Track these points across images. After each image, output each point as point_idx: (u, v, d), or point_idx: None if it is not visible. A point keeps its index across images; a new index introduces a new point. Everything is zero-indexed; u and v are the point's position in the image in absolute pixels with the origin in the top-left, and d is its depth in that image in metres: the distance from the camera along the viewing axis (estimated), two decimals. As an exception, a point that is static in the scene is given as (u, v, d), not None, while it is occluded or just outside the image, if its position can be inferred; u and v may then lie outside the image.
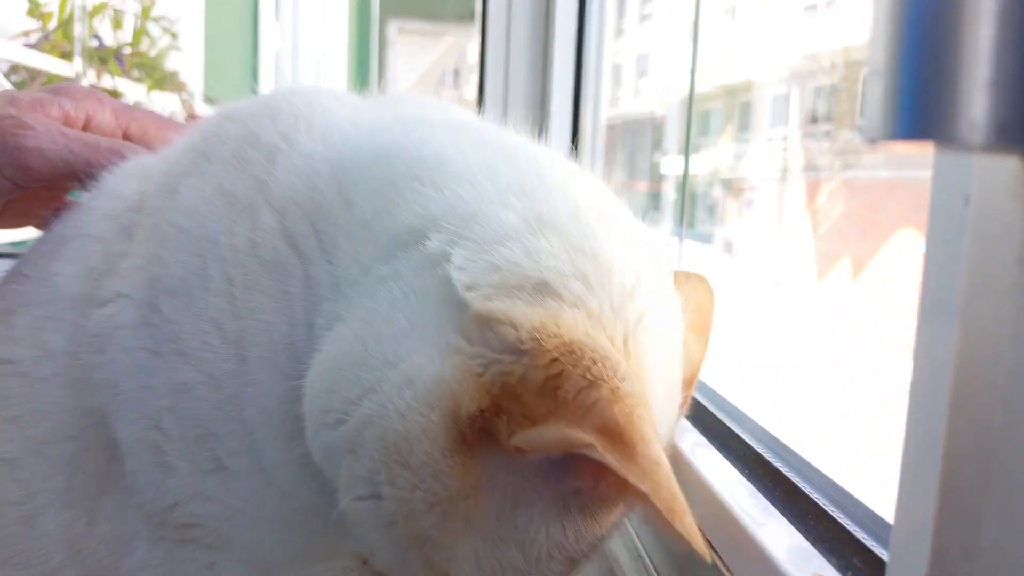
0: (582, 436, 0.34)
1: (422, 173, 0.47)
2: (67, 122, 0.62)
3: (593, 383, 0.35)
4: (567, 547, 0.40)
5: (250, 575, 0.56)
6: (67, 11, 2.18)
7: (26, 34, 2.19)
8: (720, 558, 0.42)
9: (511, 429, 0.36)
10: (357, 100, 0.59)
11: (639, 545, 0.58)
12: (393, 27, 5.99)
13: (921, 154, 0.32)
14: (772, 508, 0.42)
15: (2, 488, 0.59)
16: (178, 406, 0.51)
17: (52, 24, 2.15)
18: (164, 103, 2.26)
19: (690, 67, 1.37)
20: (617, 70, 1.77)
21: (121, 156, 0.60)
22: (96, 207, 0.59)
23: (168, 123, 0.66)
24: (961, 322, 0.23)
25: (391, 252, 0.45)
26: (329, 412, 0.43)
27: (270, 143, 0.52)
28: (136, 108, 0.66)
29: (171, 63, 2.32)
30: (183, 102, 2.24)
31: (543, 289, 0.39)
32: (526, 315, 0.38)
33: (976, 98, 0.18)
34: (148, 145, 0.63)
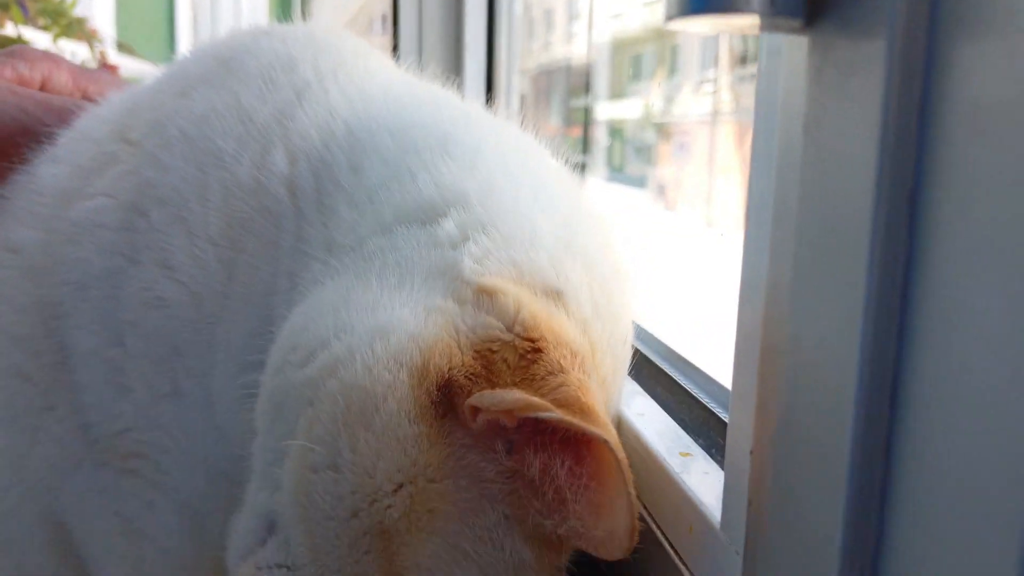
0: (541, 402, 0.33)
1: (456, 152, 0.45)
2: (21, 83, 0.61)
3: (564, 370, 0.35)
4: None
5: (184, 524, 0.55)
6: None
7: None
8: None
9: (471, 390, 0.35)
10: (397, 70, 0.57)
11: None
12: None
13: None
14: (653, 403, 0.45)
15: None
16: (146, 322, 0.49)
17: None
18: (73, 52, 2.16)
19: (618, 11, 1.38)
20: (549, 15, 1.75)
21: (74, 115, 0.57)
22: (94, 113, 0.57)
23: (124, 84, 0.65)
24: (775, 195, 0.25)
25: (391, 226, 0.44)
26: (296, 349, 0.41)
27: (305, 78, 0.50)
28: (96, 71, 0.66)
29: (79, 9, 2.21)
30: (94, 50, 2.15)
31: (555, 297, 0.39)
32: (531, 301, 0.38)
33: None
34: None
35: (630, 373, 0.45)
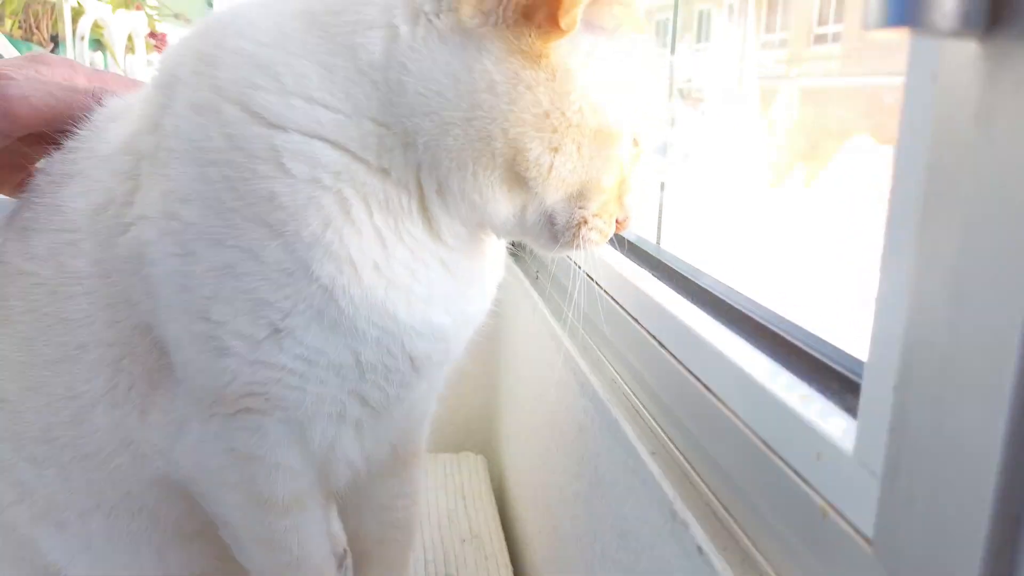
0: None
1: None
2: None
3: None
4: None
5: (291, 436, 0.64)
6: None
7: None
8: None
9: None
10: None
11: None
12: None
13: (874, 58, 0.39)
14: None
15: (50, 385, 0.66)
16: (223, 289, 0.57)
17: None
18: (130, 20, 2.22)
19: None
20: None
21: (99, 99, 0.67)
22: (89, 148, 0.66)
23: (135, 84, 0.71)
24: (927, 175, 0.30)
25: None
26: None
27: (209, 53, 0.58)
28: (107, 72, 0.72)
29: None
30: (148, 18, 2.20)
31: None
32: None
33: (947, -5, 0.25)
34: None
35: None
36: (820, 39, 1.28)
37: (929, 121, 0.30)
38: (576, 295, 0.93)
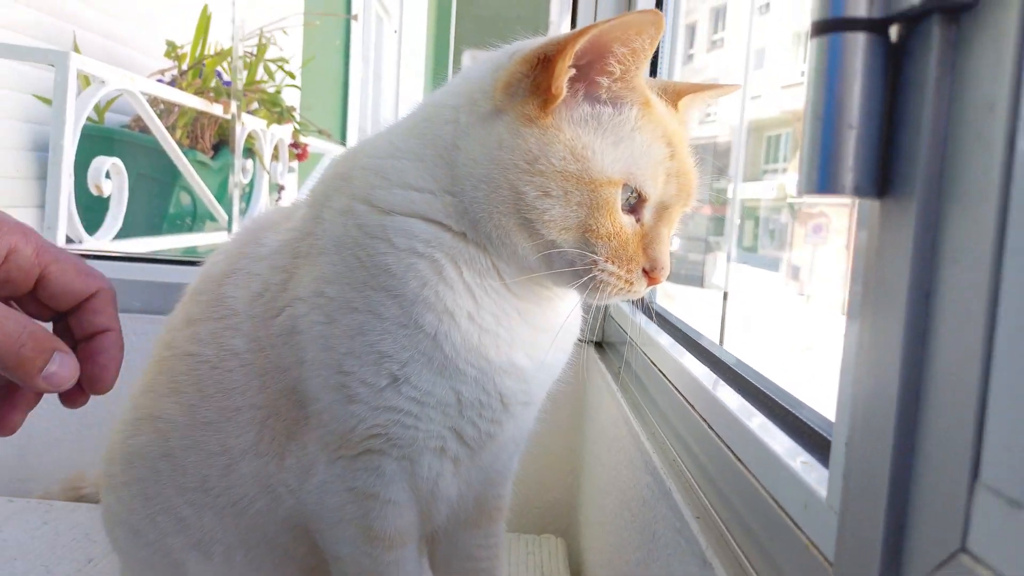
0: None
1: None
2: None
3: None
4: None
5: (401, 471, 0.78)
6: (198, 53, 2.50)
7: (163, 72, 2.51)
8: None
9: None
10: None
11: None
12: (467, 56, 6.30)
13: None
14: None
15: (207, 443, 0.84)
16: (356, 347, 0.74)
17: (185, 65, 2.47)
18: (279, 133, 2.56)
19: (754, 93, 1.50)
20: None
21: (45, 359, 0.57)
22: (246, 252, 0.86)
23: (89, 272, 0.63)
24: (861, 291, 0.43)
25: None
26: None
27: (346, 174, 0.79)
28: (61, 250, 0.62)
29: (286, 98, 2.62)
30: (295, 131, 2.54)
31: None
32: None
33: (847, 174, 0.39)
34: (64, 289, 0.61)
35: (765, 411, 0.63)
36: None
37: (861, 257, 0.43)
38: (651, 388, 1.06)
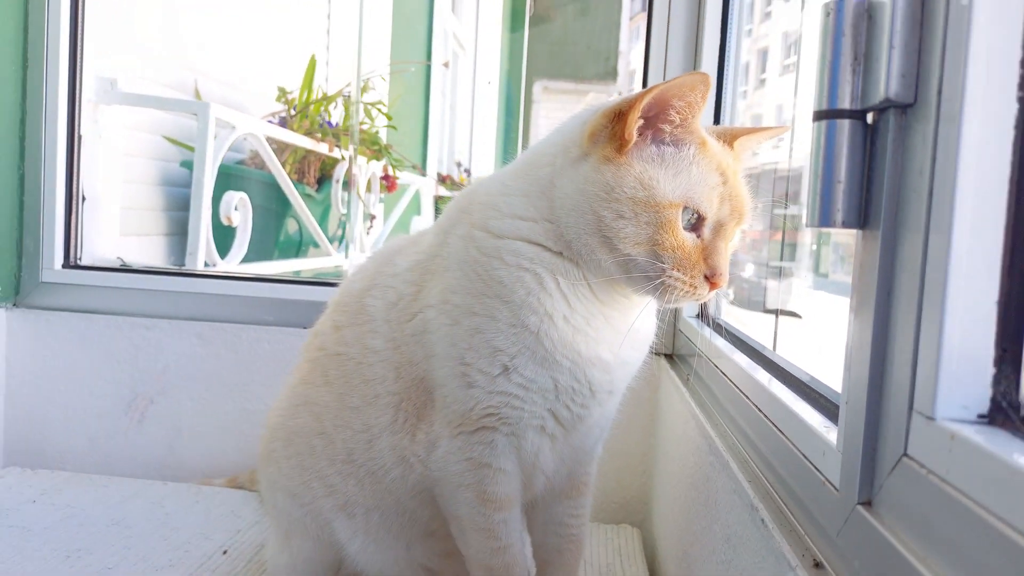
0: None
1: None
2: None
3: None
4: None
5: (509, 444, 0.99)
6: (305, 97, 2.80)
7: (273, 115, 2.82)
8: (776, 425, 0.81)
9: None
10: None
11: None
12: (539, 87, 6.54)
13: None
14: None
15: (353, 423, 1.06)
16: (475, 343, 0.95)
17: (295, 108, 2.78)
18: (373, 168, 2.84)
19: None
20: (757, 120, 2.00)
21: None
22: (380, 271, 1.10)
23: None
24: (855, 292, 0.62)
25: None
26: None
27: (466, 207, 1.02)
28: None
29: (383, 137, 2.91)
30: (391, 166, 2.81)
31: None
32: None
33: (838, 213, 0.58)
34: None
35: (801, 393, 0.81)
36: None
37: (856, 274, 0.62)
38: (715, 388, 1.24)
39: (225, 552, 1.42)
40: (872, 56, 0.56)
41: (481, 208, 0.99)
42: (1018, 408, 0.47)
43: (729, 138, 0.95)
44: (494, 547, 1.02)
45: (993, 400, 0.48)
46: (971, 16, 0.47)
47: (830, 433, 0.71)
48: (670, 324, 1.70)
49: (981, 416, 0.48)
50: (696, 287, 0.87)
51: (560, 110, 6.96)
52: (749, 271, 1.88)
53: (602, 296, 0.95)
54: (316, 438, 1.10)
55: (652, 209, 0.86)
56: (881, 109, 0.57)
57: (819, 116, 0.59)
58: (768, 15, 2.17)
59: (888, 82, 0.54)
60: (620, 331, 0.97)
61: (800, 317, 1.51)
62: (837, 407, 0.77)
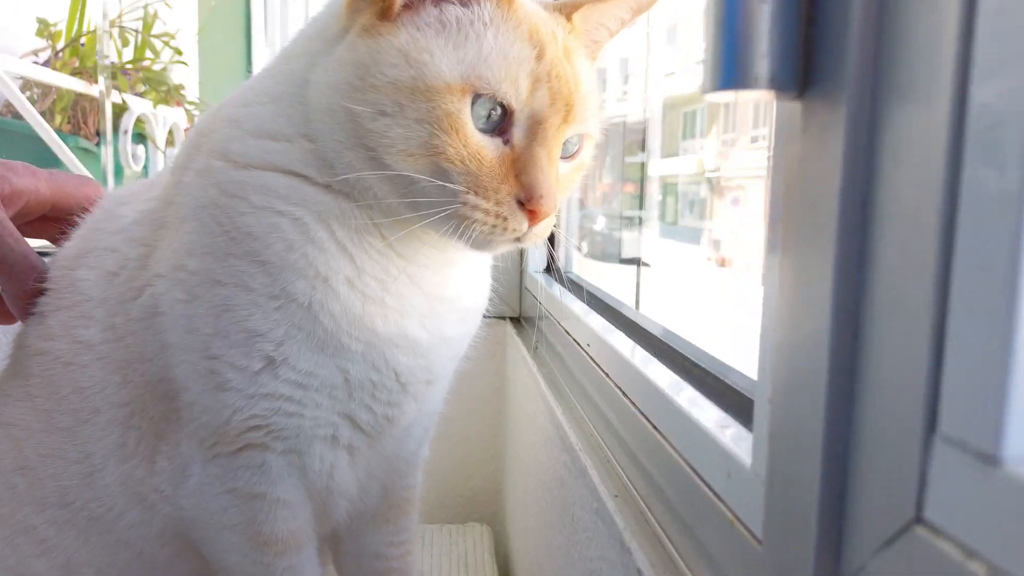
0: None
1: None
2: (13, 196, 0.74)
3: None
4: None
5: (289, 465, 0.69)
6: (74, 31, 2.30)
7: (35, 52, 2.30)
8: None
9: None
10: None
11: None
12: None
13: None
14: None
15: (63, 451, 0.72)
16: (223, 326, 0.63)
17: (60, 43, 2.27)
18: (170, 115, 2.38)
19: (671, 70, 1.47)
20: (601, 74, 1.87)
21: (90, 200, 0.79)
22: (100, 228, 0.74)
23: (85, 182, 0.80)
24: (784, 216, 0.36)
25: None
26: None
27: (206, 128, 0.68)
28: (61, 174, 0.78)
29: (175, 77, 2.44)
30: (188, 113, 2.37)
31: None
32: None
33: (761, 61, 0.31)
34: (75, 203, 0.78)
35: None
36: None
37: (781, 171, 0.36)
38: (568, 361, 0.98)
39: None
40: None
41: (221, 127, 0.67)
42: None
43: (569, 9, 0.67)
44: None
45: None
46: None
47: (740, 443, 0.45)
48: (515, 280, 1.43)
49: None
50: (506, 217, 0.58)
51: None
52: (601, 224, 1.74)
53: (401, 248, 0.65)
54: (16, 475, 0.75)
55: (423, 96, 0.56)
56: None
57: None
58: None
59: None
60: (436, 298, 0.69)
61: (649, 265, 1.41)
62: (742, 399, 0.52)
